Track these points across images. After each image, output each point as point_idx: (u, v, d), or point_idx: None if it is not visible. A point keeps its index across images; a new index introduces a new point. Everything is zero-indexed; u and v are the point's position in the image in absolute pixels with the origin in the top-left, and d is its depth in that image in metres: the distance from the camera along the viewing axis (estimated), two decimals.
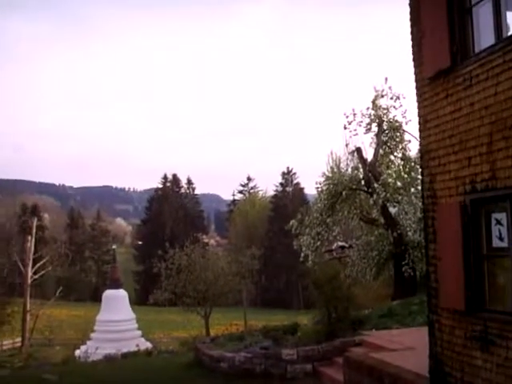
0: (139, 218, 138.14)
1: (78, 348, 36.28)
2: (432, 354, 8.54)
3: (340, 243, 27.31)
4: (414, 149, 23.67)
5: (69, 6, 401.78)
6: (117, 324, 36.28)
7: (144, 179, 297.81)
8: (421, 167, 9.30)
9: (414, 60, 9.06)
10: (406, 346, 11.22)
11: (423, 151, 8.95)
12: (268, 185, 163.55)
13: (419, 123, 8.97)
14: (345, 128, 23.64)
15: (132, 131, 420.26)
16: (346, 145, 23.88)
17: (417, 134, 9.55)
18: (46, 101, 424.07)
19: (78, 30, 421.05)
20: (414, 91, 9.10)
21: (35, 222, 55.65)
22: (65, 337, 55.76)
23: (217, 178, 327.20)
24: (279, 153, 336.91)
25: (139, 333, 37.87)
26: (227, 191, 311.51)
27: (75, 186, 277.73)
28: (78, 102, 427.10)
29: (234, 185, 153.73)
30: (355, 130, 23.69)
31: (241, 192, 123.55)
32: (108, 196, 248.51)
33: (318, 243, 22.96)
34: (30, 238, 52.24)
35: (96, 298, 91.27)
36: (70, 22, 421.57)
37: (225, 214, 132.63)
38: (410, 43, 9.12)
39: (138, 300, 79.54)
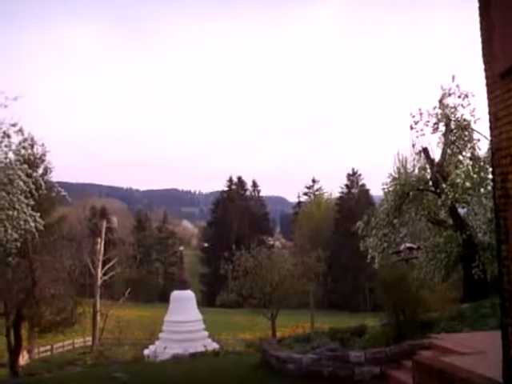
0: (205, 220, 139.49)
1: (147, 348, 36.86)
2: (506, 359, 8.29)
3: (408, 244, 26.92)
4: (483, 148, 23.15)
5: (134, 10, 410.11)
6: (184, 324, 36.63)
7: (210, 182, 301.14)
8: (492, 166, 9.04)
9: (483, 56, 8.82)
10: (477, 350, 10.92)
11: (494, 149, 8.71)
12: (333, 186, 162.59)
13: (490, 121, 8.72)
14: (411, 128, 23.29)
15: (198, 134, 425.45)
16: (413, 145, 23.49)
17: (487, 132, 9.33)
18: (112, 106, 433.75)
19: (141, 33, 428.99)
20: (484, 88, 8.86)
21: (104, 225, 57.01)
22: (133, 337, 56.81)
23: (282, 181, 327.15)
24: (344, 154, 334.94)
25: (206, 333, 38.14)
26: (292, 193, 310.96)
27: (142, 189, 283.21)
28: (145, 106, 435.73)
29: (299, 187, 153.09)
30: (422, 129, 23.31)
31: (306, 194, 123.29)
32: (174, 199, 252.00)
33: (385, 245, 22.69)
34: (99, 240, 53.53)
35: (163, 299, 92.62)
36: (133, 26, 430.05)
37: (290, 216, 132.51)
38: (479, 38, 8.88)
39: (205, 302, 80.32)
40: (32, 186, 16.25)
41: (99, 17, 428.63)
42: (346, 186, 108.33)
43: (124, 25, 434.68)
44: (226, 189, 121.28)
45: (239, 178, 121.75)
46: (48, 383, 16.36)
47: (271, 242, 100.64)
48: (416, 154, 23.46)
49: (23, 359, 36.05)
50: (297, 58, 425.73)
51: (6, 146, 15.82)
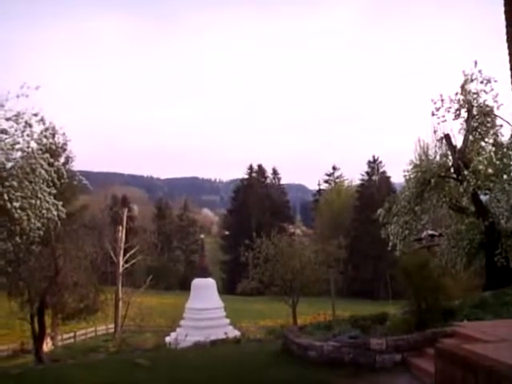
0: (225, 208, 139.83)
1: (168, 335, 37.11)
2: None
3: (430, 231, 26.79)
4: (506, 134, 22.90)
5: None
6: (206, 312, 36.81)
7: (230, 170, 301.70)
8: None
9: (508, 41, 8.71)
10: (501, 337, 10.86)
11: None
12: (354, 174, 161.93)
13: None
14: (432, 114, 23.10)
15: (217, 122, 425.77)
16: (434, 131, 23.31)
17: (510, 118, 9.21)
18: (133, 96, 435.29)
19: (162, 22, 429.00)
20: (508, 73, 8.75)
21: (126, 213, 57.39)
22: (155, 324, 57.28)
23: (302, 168, 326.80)
24: (365, 141, 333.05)
25: (227, 321, 38.30)
26: (313, 181, 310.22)
27: (162, 178, 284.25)
28: (166, 94, 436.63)
29: (319, 174, 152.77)
30: (443, 116, 23.10)
31: (326, 181, 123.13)
32: (195, 187, 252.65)
33: (407, 232, 22.59)
34: (121, 228, 53.94)
35: (184, 287, 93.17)
36: (156, 14, 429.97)
37: (310, 203, 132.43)
38: (504, 23, 8.76)
39: (225, 289, 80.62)
40: (54, 175, 16.39)
41: (122, 4, 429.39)
42: (367, 173, 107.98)
43: (147, 13, 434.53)
44: (246, 177, 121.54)
45: (259, 166, 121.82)
46: (72, 369, 16.51)
47: (292, 230, 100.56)
48: (437, 140, 23.29)
49: (47, 346, 36.55)
50: (317, 45, 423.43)
51: (27, 135, 15.97)
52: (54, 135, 17.01)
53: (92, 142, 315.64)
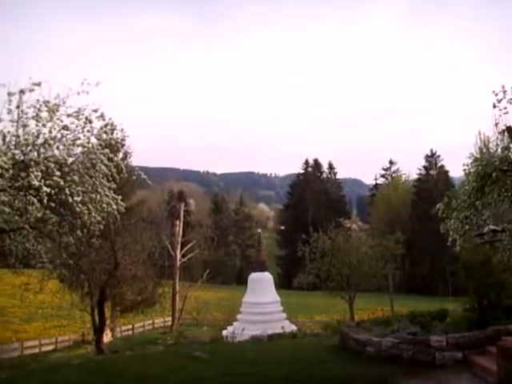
0: (281, 203, 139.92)
1: (225, 328, 37.35)
2: None
3: (492, 227, 26.11)
4: None
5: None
6: (262, 306, 36.86)
7: (286, 165, 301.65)
8: None
9: None
10: None
11: None
12: (411, 168, 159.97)
13: None
14: (494, 106, 22.41)
15: (274, 117, 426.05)
16: (496, 124, 22.63)
17: None
18: (189, 90, 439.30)
19: (216, 17, 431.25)
20: None
21: (183, 207, 58.00)
22: (211, 317, 57.85)
23: (358, 163, 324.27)
24: (423, 135, 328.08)
25: (284, 315, 38.28)
26: (369, 176, 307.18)
27: (218, 173, 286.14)
28: (222, 90, 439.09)
29: (375, 169, 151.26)
30: (505, 108, 22.38)
31: (383, 176, 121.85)
32: (250, 182, 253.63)
33: (467, 227, 22.06)
34: (178, 222, 54.52)
35: (240, 281, 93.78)
36: (207, 11, 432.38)
37: (367, 198, 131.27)
38: None
39: (281, 284, 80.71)
40: (113, 170, 16.61)
41: (174, 2, 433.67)
42: (424, 167, 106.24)
43: (198, 10, 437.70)
44: (302, 171, 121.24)
45: (315, 161, 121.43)
46: (132, 361, 16.82)
47: (348, 225, 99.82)
48: (499, 133, 22.61)
49: (107, 337, 37.26)
50: (374, 41, 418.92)
51: (88, 131, 16.19)
52: (112, 131, 17.21)
53: (149, 138, 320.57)
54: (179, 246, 54.17)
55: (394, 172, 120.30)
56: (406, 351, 12.94)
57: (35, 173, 14.75)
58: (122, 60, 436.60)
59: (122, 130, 17.86)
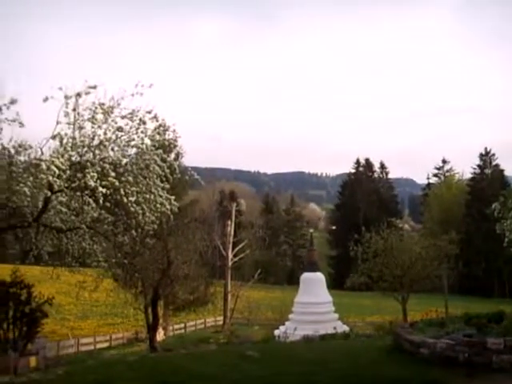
0: (332, 202, 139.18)
1: (277, 328, 37.38)
2: None
3: None
4: None
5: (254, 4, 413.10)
6: (314, 306, 36.77)
7: (337, 164, 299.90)
8: None
9: None
10: None
11: None
12: (465, 167, 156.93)
13: None
14: None
15: (324, 117, 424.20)
16: None
17: None
18: (239, 91, 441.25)
19: (263, 20, 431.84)
20: None
21: (234, 207, 58.27)
22: (263, 317, 57.91)
23: (410, 162, 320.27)
24: (477, 134, 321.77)
25: (336, 316, 38.10)
26: (421, 175, 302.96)
27: (269, 173, 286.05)
28: (272, 89, 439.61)
29: (428, 168, 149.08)
30: None
31: (436, 175, 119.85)
32: (301, 182, 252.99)
33: None
34: (229, 222, 54.80)
35: (291, 281, 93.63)
36: (255, 14, 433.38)
37: (419, 198, 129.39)
38: None
39: (332, 284, 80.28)
40: (167, 171, 16.82)
41: (223, 7, 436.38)
42: (479, 166, 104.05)
43: (246, 13, 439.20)
44: (353, 171, 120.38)
45: (367, 160, 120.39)
46: (185, 359, 16.98)
47: (400, 225, 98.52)
48: None
49: (160, 335, 37.76)
50: (423, 41, 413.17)
51: (142, 132, 16.44)
52: (165, 132, 17.43)
53: (200, 138, 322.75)
54: (231, 246, 54.46)
55: (447, 171, 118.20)
56: (462, 353, 12.68)
57: (91, 174, 15.06)
58: (173, 61, 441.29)
59: (174, 130, 18.01)
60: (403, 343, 14.64)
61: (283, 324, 38.20)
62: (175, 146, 38.58)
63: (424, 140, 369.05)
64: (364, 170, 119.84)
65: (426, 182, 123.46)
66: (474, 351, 12.57)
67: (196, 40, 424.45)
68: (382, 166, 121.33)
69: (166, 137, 17.65)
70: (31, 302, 25.22)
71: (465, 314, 17.21)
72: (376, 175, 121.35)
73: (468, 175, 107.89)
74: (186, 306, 43.01)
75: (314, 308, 36.64)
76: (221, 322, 53.94)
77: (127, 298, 38.89)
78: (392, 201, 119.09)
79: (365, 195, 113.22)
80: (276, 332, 35.27)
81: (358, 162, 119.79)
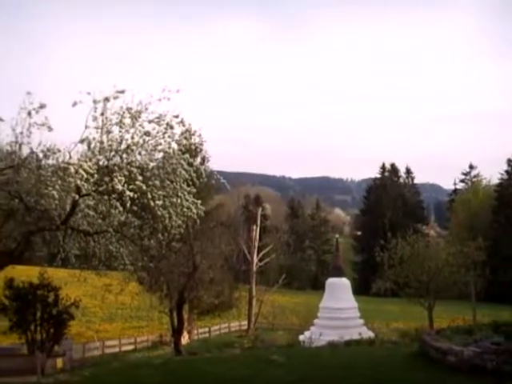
0: (357, 207, 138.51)
1: (302, 333, 37.25)
2: None
3: None
4: None
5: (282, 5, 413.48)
6: (340, 312, 36.58)
7: (362, 169, 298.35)
8: None
9: None
10: None
11: None
12: (492, 173, 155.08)
13: None
14: None
15: (349, 121, 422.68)
16: None
17: None
18: (263, 95, 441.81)
19: (291, 24, 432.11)
20: None
21: (260, 212, 58.27)
22: (287, 322, 57.83)
23: (436, 167, 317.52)
24: (504, 139, 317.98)
25: (361, 321, 37.86)
26: (448, 180, 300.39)
27: (294, 177, 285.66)
28: (296, 95, 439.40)
29: (455, 174, 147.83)
30: None
31: (463, 181, 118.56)
32: (326, 186, 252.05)
33: None
34: (255, 227, 54.80)
35: (316, 287, 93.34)
36: (283, 17, 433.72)
37: (445, 203, 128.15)
38: None
39: (357, 290, 79.81)
40: (193, 175, 16.90)
41: (250, 10, 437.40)
42: (506, 172, 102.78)
43: (272, 17, 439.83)
44: (378, 176, 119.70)
45: (392, 165, 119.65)
46: (211, 362, 17.04)
47: (426, 231, 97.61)
48: None
49: (184, 339, 37.87)
50: (451, 43, 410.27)
51: (169, 136, 16.54)
52: (191, 136, 17.51)
53: (225, 143, 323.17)
54: (256, 251, 54.45)
55: (475, 177, 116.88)
56: (490, 361, 12.51)
57: (118, 177, 15.18)
58: (199, 65, 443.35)
59: (200, 135, 18.10)
60: (429, 350, 14.51)
61: (308, 329, 38.05)
62: (201, 151, 38.84)
63: (451, 145, 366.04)
64: (390, 175, 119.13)
65: (452, 187, 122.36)
66: (503, 359, 12.40)
67: (222, 44, 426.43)
68: (408, 171, 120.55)
69: (192, 141, 17.74)
70: (58, 304, 25.54)
71: (493, 322, 17.03)
72: (402, 180, 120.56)
73: (495, 181, 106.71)
74: (211, 310, 43.10)
75: (339, 313, 36.45)
76: (245, 327, 53.94)
77: (152, 302, 39.11)
78: (418, 206, 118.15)
79: (390, 200, 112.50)
80: (301, 337, 35.14)
81: (383, 166, 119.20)
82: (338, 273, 39.91)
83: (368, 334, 34.11)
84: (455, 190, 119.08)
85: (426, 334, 16.63)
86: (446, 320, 40.08)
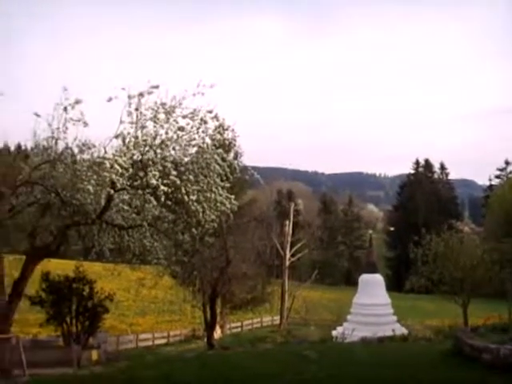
0: (390, 203, 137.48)
1: (335, 329, 37.14)
2: None
3: None
4: None
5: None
6: (373, 308, 36.35)
7: (395, 164, 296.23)
8: None
9: None
10: None
11: None
12: None
13: None
14: None
15: (382, 116, 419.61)
16: None
17: None
18: (296, 91, 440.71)
19: (324, 20, 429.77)
20: None
21: (292, 207, 58.17)
22: (319, 317, 57.62)
23: (471, 163, 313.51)
24: None
25: (395, 318, 37.56)
26: (482, 176, 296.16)
27: (327, 173, 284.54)
28: (328, 90, 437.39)
29: (490, 169, 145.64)
30: None
31: (498, 177, 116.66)
32: (359, 182, 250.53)
33: None
34: (287, 222, 54.71)
35: (348, 282, 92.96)
36: (313, 18, 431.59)
37: (480, 200, 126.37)
38: None
39: (390, 286, 79.26)
40: (227, 170, 16.95)
41: (283, 7, 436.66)
42: None
43: (305, 14, 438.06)
44: (412, 172, 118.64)
45: (426, 161, 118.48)
46: (243, 357, 17.09)
47: (460, 227, 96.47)
48: None
49: (216, 333, 38.01)
50: (483, 39, 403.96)
51: (203, 131, 16.62)
52: (225, 131, 17.57)
53: (257, 138, 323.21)
54: (289, 246, 54.38)
55: (510, 172, 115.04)
56: None
57: (153, 172, 15.31)
58: (232, 61, 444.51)
59: (233, 130, 18.14)
60: (464, 348, 14.35)
61: (340, 325, 37.92)
62: (234, 146, 38.93)
63: (486, 140, 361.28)
64: (423, 170, 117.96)
65: (487, 183, 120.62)
66: None
67: (256, 40, 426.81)
68: (442, 167, 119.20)
69: (226, 136, 17.80)
70: (93, 298, 25.86)
71: None
72: (436, 176, 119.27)
73: None
74: (243, 304, 43.18)
75: (372, 310, 36.22)
76: (277, 322, 53.94)
77: (185, 296, 39.32)
78: (452, 202, 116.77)
79: (424, 196, 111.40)
80: (333, 333, 35.02)
81: (417, 162, 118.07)
82: (372, 269, 39.64)
83: (401, 330, 33.84)
84: (490, 186, 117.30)
85: (461, 332, 16.46)
86: (482, 318, 39.59)
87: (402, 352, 17.89)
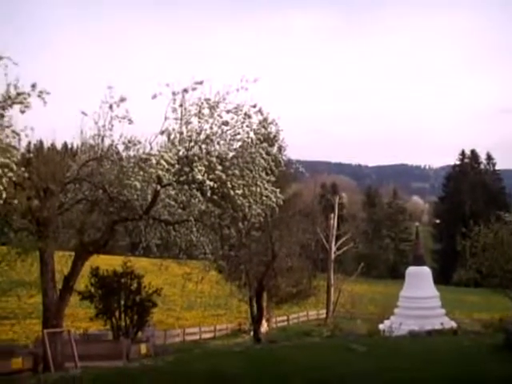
0: (436, 195, 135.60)
1: (382, 322, 36.87)
2: None
3: None
4: None
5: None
6: (421, 301, 35.95)
7: (441, 156, 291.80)
8: None
9: None
10: None
11: None
12: None
13: None
14: None
15: (426, 108, 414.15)
16: None
17: None
18: (338, 83, 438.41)
19: (367, 16, 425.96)
20: None
21: (337, 200, 57.97)
22: (365, 311, 57.33)
23: None
24: None
25: (443, 311, 37.07)
26: None
27: (370, 165, 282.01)
28: (368, 82, 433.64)
29: None
30: None
31: None
32: (403, 174, 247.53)
33: None
34: (332, 215, 54.55)
35: (394, 276, 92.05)
36: (354, 12, 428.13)
37: None
38: None
39: (437, 279, 78.32)
40: (272, 163, 16.96)
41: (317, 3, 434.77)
42: None
43: (346, 8, 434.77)
44: (458, 163, 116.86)
45: (472, 151, 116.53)
46: (291, 350, 17.12)
47: (508, 219, 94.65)
48: None
49: (263, 327, 38.15)
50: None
51: (247, 126, 16.67)
52: (269, 125, 17.58)
53: (301, 131, 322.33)
54: (334, 239, 54.21)
55: None
56: None
57: (198, 167, 15.41)
58: (275, 55, 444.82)
59: (277, 124, 18.13)
60: None
61: (387, 318, 37.61)
62: (278, 140, 38.89)
63: None
64: (470, 161, 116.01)
65: None
66: None
67: (299, 34, 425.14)
68: (489, 157, 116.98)
69: (270, 130, 17.81)
70: (141, 292, 26.22)
71: None
72: (482, 166, 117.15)
73: None
74: (289, 298, 43.18)
75: (419, 303, 35.82)
76: (323, 316, 53.87)
77: (231, 290, 39.54)
78: (500, 193, 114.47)
79: (470, 188, 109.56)
80: (381, 326, 34.74)
81: (463, 153, 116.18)
82: (419, 261, 39.19)
83: (450, 324, 33.37)
84: None
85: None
86: None
87: (451, 345, 17.70)
